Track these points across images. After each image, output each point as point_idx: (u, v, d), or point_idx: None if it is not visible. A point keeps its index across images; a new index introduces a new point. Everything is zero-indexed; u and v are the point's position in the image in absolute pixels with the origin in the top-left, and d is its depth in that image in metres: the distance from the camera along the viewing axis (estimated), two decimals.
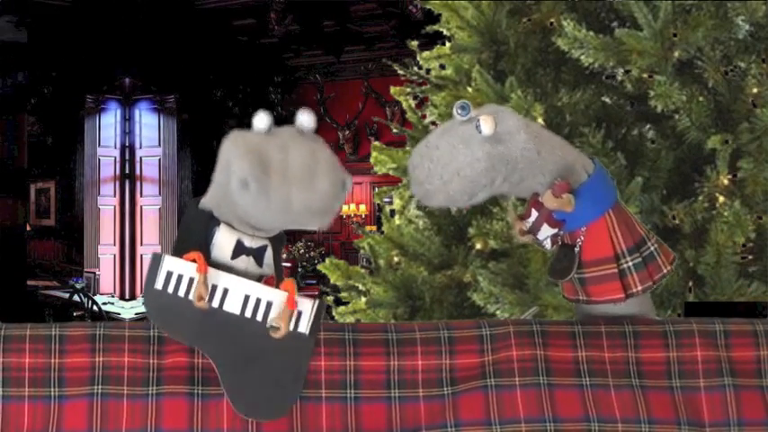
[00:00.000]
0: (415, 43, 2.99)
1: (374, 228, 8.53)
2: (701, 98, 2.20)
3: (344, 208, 11.52)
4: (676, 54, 2.22)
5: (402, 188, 2.89)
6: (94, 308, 8.49)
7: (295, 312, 1.28)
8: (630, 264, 1.41)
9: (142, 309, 9.03)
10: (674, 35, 2.19)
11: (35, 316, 8.82)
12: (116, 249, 10.29)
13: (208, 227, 1.27)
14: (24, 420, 1.26)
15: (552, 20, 2.49)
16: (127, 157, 10.29)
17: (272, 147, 1.22)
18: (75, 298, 8.77)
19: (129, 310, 9.26)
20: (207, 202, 1.28)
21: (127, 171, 10.30)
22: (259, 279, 1.31)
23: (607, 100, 2.44)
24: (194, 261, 1.24)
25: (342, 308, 2.82)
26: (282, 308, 1.26)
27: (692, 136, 2.21)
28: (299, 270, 10.42)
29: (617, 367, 1.36)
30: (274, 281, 1.31)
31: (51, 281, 10.56)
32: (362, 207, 11.63)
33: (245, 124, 1.27)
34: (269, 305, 1.27)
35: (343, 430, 1.29)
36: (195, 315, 1.25)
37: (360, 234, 3.11)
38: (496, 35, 2.57)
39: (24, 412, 1.26)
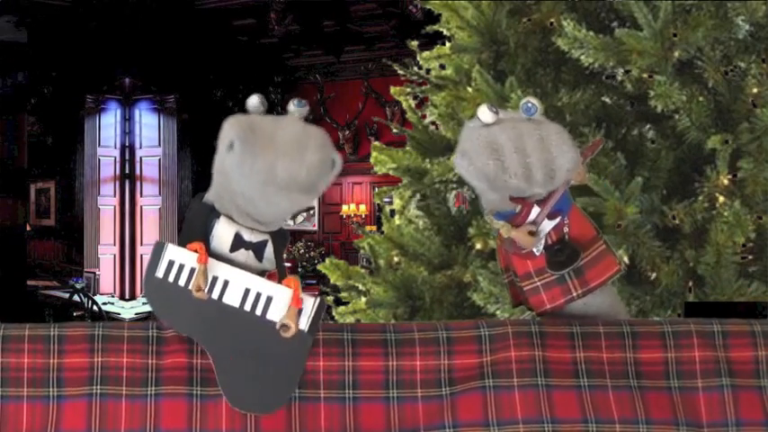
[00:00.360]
0: (415, 43, 2.99)
1: (374, 228, 8.54)
2: (700, 98, 2.20)
3: (344, 208, 11.54)
4: (676, 54, 2.22)
5: (402, 188, 2.89)
6: (94, 308, 8.50)
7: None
8: (604, 237, 1.43)
9: (142, 309, 9.10)
10: (674, 35, 2.19)
11: (35, 316, 8.83)
12: (116, 249, 10.30)
13: (208, 219, 1.28)
14: (23, 420, 1.26)
15: (552, 20, 2.49)
16: (127, 157, 10.30)
17: (266, 121, 1.23)
18: (75, 298, 8.78)
19: (129, 310, 9.26)
20: (209, 194, 1.29)
21: (127, 171, 10.31)
22: (260, 274, 1.31)
23: (607, 100, 2.44)
24: (196, 251, 1.25)
25: (342, 308, 2.82)
26: (289, 307, 1.26)
27: (692, 136, 2.21)
28: (300, 270, 10.43)
29: (615, 368, 1.36)
30: (276, 277, 1.31)
31: (51, 281, 10.57)
32: (362, 207, 11.63)
33: None
34: (269, 300, 1.28)
35: (341, 430, 1.29)
36: (194, 305, 1.25)
37: (360, 234, 3.11)
38: (496, 35, 2.57)
39: (23, 412, 1.26)
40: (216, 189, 1.28)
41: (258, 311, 1.28)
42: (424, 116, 2.89)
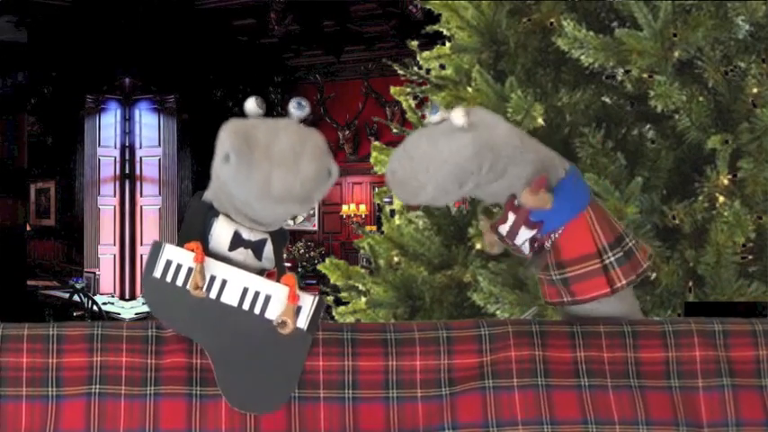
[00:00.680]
0: (415, 43, 2.98)
1: (374, 228, 8.53)
2: (701, 98, 2.19)
3: (344, 208, 11.54)
4: (676, 54, 2.21)
5: None
6: (94, 308, 8.50)
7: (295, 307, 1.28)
8: (613, 259, 1.41)
9: (142, 309, 9.10)
10: (674, 35, 2.18)
11: (35, 316, 8.84)
12: (116, 249, 10.30)
13: (207, 217, 1.28)
14: (22, 420, 1.26)
15: (552, 20, 2.49)
16: (127, 157, 10.30)
17: (262, 129, 1.23)
18: (75, 298, 8.78)
19: (129, 310, 9.26)
20: (208, 193, 1.29)
21: (127, 171, 10.31)
22: (260, 273, 1.31)
23: (607, 100, 2.44)
24: (193, 251, 1.25)
25: (342, 308, 2.82)
26: (285, 303, 1.26)
27: (692, 136, 2.21)
28: (300, 270, 10.43)
29: (616, 367, 1.35)
30: (276, 276, 1.31)
31: (51, 281, 10.57)
32: (362, 207, 11.63)
33: None
34: (267, 298, 1.28)
35: (341, 431, 1.29)
36: (192, 304, 1.25)
37: (360, 234, 3.11)
38: (496, 35, 2.56)
39: (22, 412, 1.26)
40: (214, 188, 1.28)
41: (257, 310, 1.28)
42: (423, 116, 2.88)
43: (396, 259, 2.77)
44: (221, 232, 1.28)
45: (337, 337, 1.33)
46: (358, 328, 1.36)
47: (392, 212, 2.94)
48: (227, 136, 1.20)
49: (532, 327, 1.37)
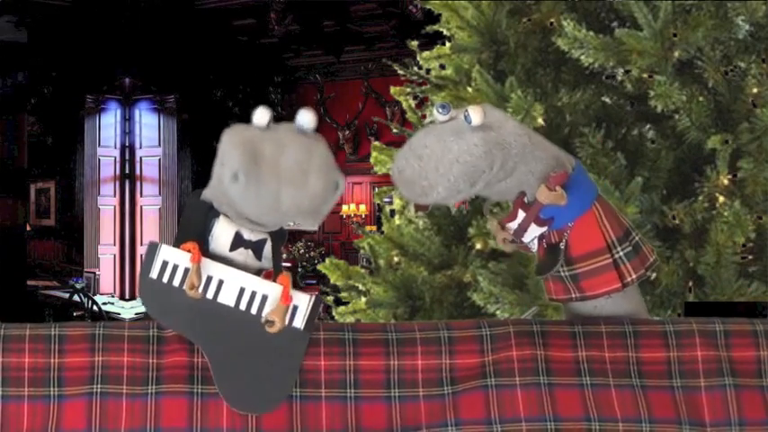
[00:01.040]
0: (415, 43, 2.98)
1: (374, 228, 8.53)
2: (700, 98, 2.20)
3: (344, 208, 11.53)
4: (676, 54, 2.22)
5: None
6: (94, 308, 8.49)
7: (291, 307, 1.28)
8: (622, 253, 1.41)
9: (142, 309, 9.06)
10: (674, 35, 2.19)
11: (35, 316, 8.83)
12: (116, 249, 10.29)
13: (207, 218, 1.28)
14: (24, 420, 1.26)
15: (552, 20, 2.49)
16: (127, 157, 10.30)
17: (268, 142, 1.22)
18: (75, 298, 8.78)
19: (129, 310, 9.26)
20: (207, 194, 1.29)
21: (127, 171, 10.31)
22: (258, 273, 1.31)
23: (607, 100, 2.44)
24: (190, 251, 1.25)
25: (342, 308, 2.82)
26: (277, 303, 1.26)
27: (692, 136, 2.21)
28: (300, 270, 10.42)
29: (617, 367, 1.36)
30: (272, 276, 1.31)
31: (51, 281, 10.57)
32: (362, 207, 11.63)
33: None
34: (264, 298, 1.28)
35: (343, 430, 1.29)
36: (189, 305, 1.25)
37: (360, 234, 3.11)
38: (496, 35, 2.57)
39: (24, 412, 1.26)
40: (214, 190, 1.28)
41: (253, 310, 1.28)
42: (423, 116, 2.89)
43: (396, 259, 2.77)
44: (222, 233, 1.28)
45: (339, 336, 1.33)
46: (359, 328, 1.36)
47: (392, 212, 2.94)
48: (235, 152, 1.20)
49: (534, 327, 1.37)
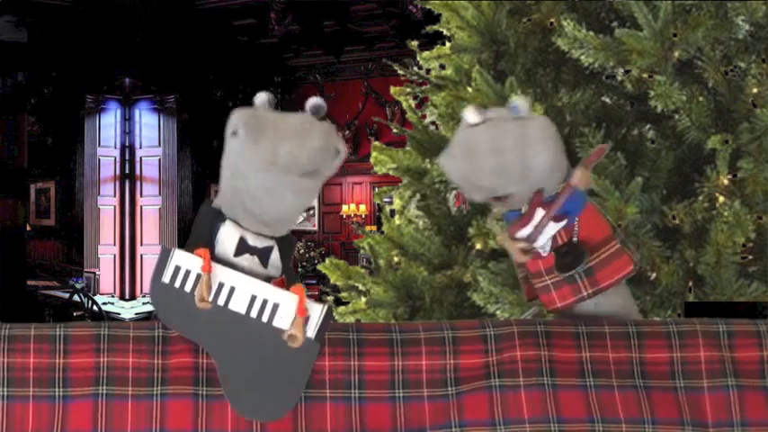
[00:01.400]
0: (415, 43, 2.98)
1: (374, 228, 8.53)
2: (700, 98, 2.20)
3: (344, 208, 11.53)
4: (676, 54, 2.22)
5: (402, 188, 2.89)
6: (94, 308, 8.49)
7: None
8: (623, 236, 1.43)
9: (142, 309, 9.10)
10: (674, 35, 2.19)
11: (35, 316, 8.83)
12: (116, 249, 10.29)
13: (214, 222, 1.28)
14: (29, 421, 1.26)
15: (552, 20, 2.49)
16: (127, 157, 10.29)
17: (271, 114, 1.26)
18: (75, 298, 8.77)
19: (129, 310, 9.26)
20: (217, 199, 1.30)
21: (127, 171, 10.30)
22: (266, 281, 1.31)
23: (607, 100, 2.44)
24: (202, 257, 1.25)
25: (342, 308, 2.82)
26: (295, 317, 1.26)
27: (692, 136, 2.21)
28: (300, 270, 10.42)
29: (621, 367, 1.36)
30: (284, 284, 1.31)
31: (51, 281, 10.56)
32: (362, 207, 11.63)
33: None
34: (275, 307, 1.27)
35: (347, 430, 1.29)
36: (200, 311, 1.25)
37: (360, 234, 3.11)
38: (496, 35, 2.57)
39: (29, 412, 1.26)
40: (223, 190, 1.29)
41: (264, 318, 1.27)
42: (424, 116, 2.89)
43: (396, 259, 2.77)
44: (227, 237, 1.28)
45: (343, 337, 1.33)
46: (364, 328, 1.37)
47: (392, 212, 2.94)
48: (236, 114, 1.23)
49: (537, 327, 1.37)
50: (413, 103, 3.00)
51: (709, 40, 2.22)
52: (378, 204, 4.53)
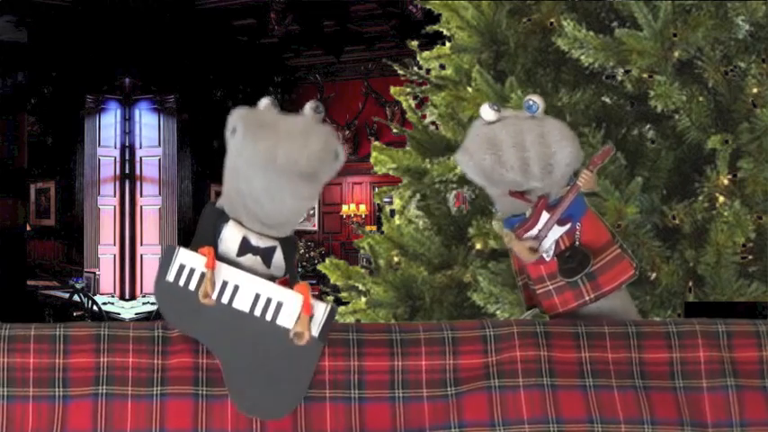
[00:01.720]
0: (415, 43, 2.99)
1: (374, 228, 8.53)
2: (700, 98, 2.20)
3: (344, 208, 11.53)
4: (676, 54, 2.22)
5: (402, 188, 2.89)
6: (94, 308, 8.49)
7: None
8: (620, 241, 1.43)
9: (142, 309, 9.10)
10: (674, 35, 2.19)
11: (35, 316, 8.83)
12: (116, 249, 10.28)
13: (217, 223, 1.28)
14: (29, 420, 1.26)
15: (552, 20, 2.49)
16: (127, 157, 10.29)
17: (272, 114, 1.25)
18: (76, 298, 8.77)
19: (129, 310, 9.26)
20: (221, 200, 1.31)
21: (127, 171, 10.30)
22: (270, 280, 1.31)
23: (607, 100, 2.44)
24: (206, 255, 1.25)
25: (342, 308, 2.82)
26: (300, 315, 1.26)
27: (692, 136, 2.21)
28: (300, 270, 10.41)
29: (620, 368, 1.36)
30: (288, 284, 1.31)
31: (51, 281, 10.56)
32: (362, 207, 11.63)
33: None
34: (279, 305, 1.28)
35: (347, 430, 1.29)
36: (204, 309, 1.25)
37: (360, 234, 3.11)
38: (496, 35, 2.57)
39: (29, 412, 1.26)
40: (226, 191, 1.29)
41: (268, 317, 1.28)
42: (424, 116, 2.89)
43: (396, 259, 2.77)
44: (230, 237, 1.29)
45: (343, 337, 1.33)
46: (363, 328, 1.37)
47: (392, 212, 2.94)
48: (236, 112, 1.23)
49: (537, 327, 1.37)
50: (413, 103, 3.00)
51: (709, 40, 2.22)
52: (378, 204, 4.53)
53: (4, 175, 10.14)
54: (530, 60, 2.54)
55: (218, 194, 1.35)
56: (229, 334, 1.28)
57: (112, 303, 9.63)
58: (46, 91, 10.51)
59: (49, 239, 11.49)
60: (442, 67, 2.85)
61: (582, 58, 2.31)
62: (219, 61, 10.47)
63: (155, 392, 1.28)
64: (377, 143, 2.94)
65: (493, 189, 1.42)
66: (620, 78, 2.39)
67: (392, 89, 3.11)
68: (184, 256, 1.27)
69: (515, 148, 1.32)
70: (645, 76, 2.27)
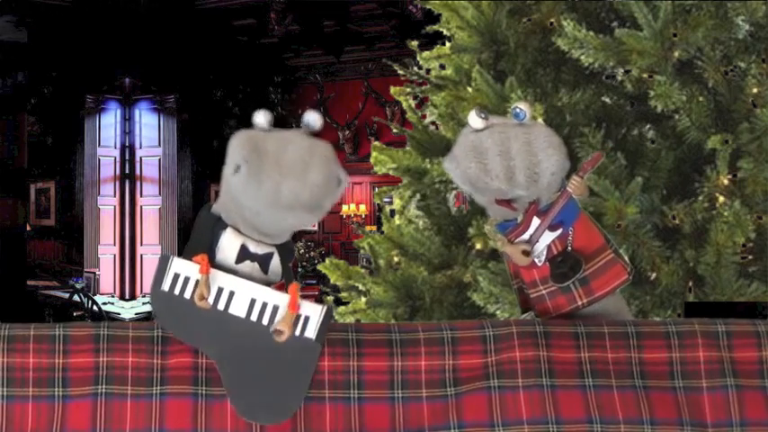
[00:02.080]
0: (415, 43, 2.99)
1: (374, 228, 8.53)
2: (700, 98, 2.20)
3: (344, 208, 11.53)
4: (676, 54, 2.22)
5: (402, 188, 2.89)
6: (94, 308, 8.49)
7: (302, 317, 1.28)
8: (615, 245, 1.44)
9: (142, 309, 9.09)
10: (674, 35, 2.19)
11: (35, 316, 8.82)
12: (116, 249, 10.28)
13: (214, 230, 1.28)
14: (29, 420, 1.26)
15: (552, 20, 2.49)
16: (127, 157, 10.28)
17: (272, 140, 1.25)
18: (75, 298, 8.77)
19: (129, 310, 9.25)
20: (217, 205, 1.30)
21: (127, 171, 10.29)
22: (266, 286, 1.31)
23: (607, 100, 2.44)
24: (199, 263, 1.25)
25: (342, 308, 2.82)
26: (286, 312, 1.26)
27: (692, 136, 2.21)
28: (300, 270, 10.42)
29: (620, 368, 1.36)
30: (284, 288, 1.32)
31: (51, 281, 10.55)
32: (362, 207, 11.62)
33: (245, 124, 1.29)
34: (275, 309, 1.28)
35: (346, 430, 1.29)
36: (200, 316, 1.26)
37: (360, 234, 3.11)
38: (496, 35, 2.57)
39: (28, 412, 1.27)
40: (223, 200, 1.29)
41: (264, 321, 1.28)
42: (424, 116, 2.89)
43: (396, 259, 2.77)
44: (228, 245, 1.29)
45: (342, 337, 1.33)
46: (363, 328, 1.37)
47: (392, 212, 2.94)
48: (238, 146, 1.23)
49: (536, 327, 1.37)
50: (413, 103, 3.00)
51: (709, 40, 2.22)
52: (378, 204, 4.53)
53: (4, 175, 10.14)
54: (530, 60, 2.54)
55: (218, 194, 1.35)
56: (227, 340, 1.28)
57: (112, 303, 9.62)
58: (46, 91, 10.50)
59: (49, 239, 11.48)
60: (442, 67, 2.85)
61: (582, 58, 2.31)
62: (219, 61, 10.47)
63: (154, 392, 1.28)
64: (377, 143, 2.94)
65: (480, 196, 1.42)
66: (620, 78, 2.40)
67: (392, 89, 3.11)
68: (179, 265, 1.28)
69: (501, 156, 1.33)
70: (645, 76, 2.27)
